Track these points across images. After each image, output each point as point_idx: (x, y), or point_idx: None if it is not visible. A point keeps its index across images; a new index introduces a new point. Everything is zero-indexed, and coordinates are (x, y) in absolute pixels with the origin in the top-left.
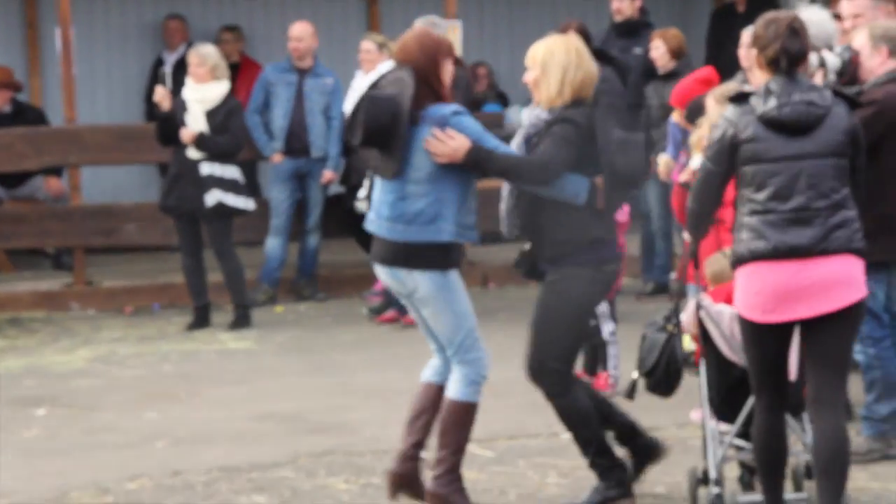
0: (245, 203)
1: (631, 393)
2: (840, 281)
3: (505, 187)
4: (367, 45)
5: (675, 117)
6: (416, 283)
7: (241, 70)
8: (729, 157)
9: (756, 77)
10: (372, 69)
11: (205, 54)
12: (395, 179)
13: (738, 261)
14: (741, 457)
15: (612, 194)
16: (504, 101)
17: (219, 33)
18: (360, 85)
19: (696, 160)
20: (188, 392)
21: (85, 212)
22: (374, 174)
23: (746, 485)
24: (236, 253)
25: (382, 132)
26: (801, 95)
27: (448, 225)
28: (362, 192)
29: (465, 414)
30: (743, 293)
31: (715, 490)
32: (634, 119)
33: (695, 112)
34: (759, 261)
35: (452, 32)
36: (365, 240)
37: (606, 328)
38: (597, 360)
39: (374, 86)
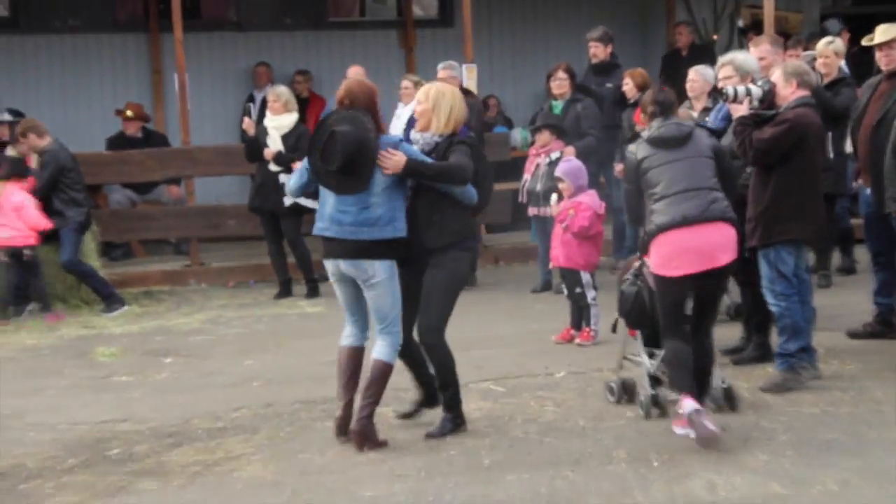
0: (313, 204)
1: (614, 328)
2: (720, 245)
3: None
4: (406, 83)
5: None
6: (374, 270)
7: (310, 103)
8: (636, 175)
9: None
10: (409, 101)
11: (279, 92)
12: (359, 194)
13: (650, 236)
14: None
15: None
16: (509, 124)
17: (294, 76)
18: (401, 113)
19: None
20: (276, 345)
21: (197, 211)
22: (334, 192)
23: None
24: (305, 241)
25: (354, 158)
26: (671, 122)
27: (401, 224)
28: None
29: (387, 372)
30: (655, 257)
31: (651, 391)
32: (611, 136)
33: None
34: (665, 231)
35: (470, 73)
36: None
37: (589, 294)
38: (581, 318)
39: (323, 123)
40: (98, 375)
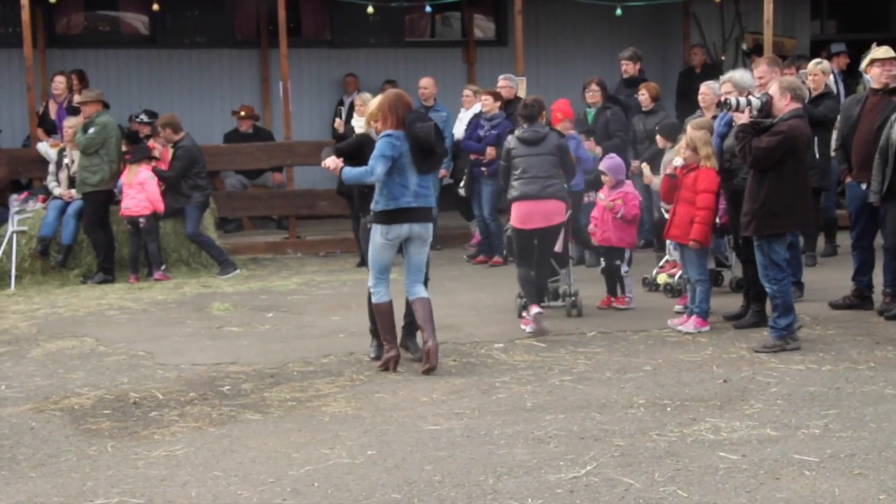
0: None
1: (505, 260)
2: (552, 213)
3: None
4: (467, 91)
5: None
6: (431, 232)
7: None
8: (508, 158)
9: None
10: (470, 107)
11: (364, 98)
12: (433, 173)
13: (509, 203)
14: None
15: None
16: None
17: (383, 84)
18: (463, 116)
19: (678, 160)
20: (357, 304)
21: (296, 194)
22: (422, 172)
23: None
24: None
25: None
26: (533, 128)
27: None
28: (462, 184)
29: (431, 307)
30: (513, 217)
31: (521, 301)
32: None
33: (670, 130)
34: (518, 201)
35: (521, 84)
36: (466, 212)
37: (623, 268)
38: (615, 287)
39: (415, 121)
40: (213, 326)
